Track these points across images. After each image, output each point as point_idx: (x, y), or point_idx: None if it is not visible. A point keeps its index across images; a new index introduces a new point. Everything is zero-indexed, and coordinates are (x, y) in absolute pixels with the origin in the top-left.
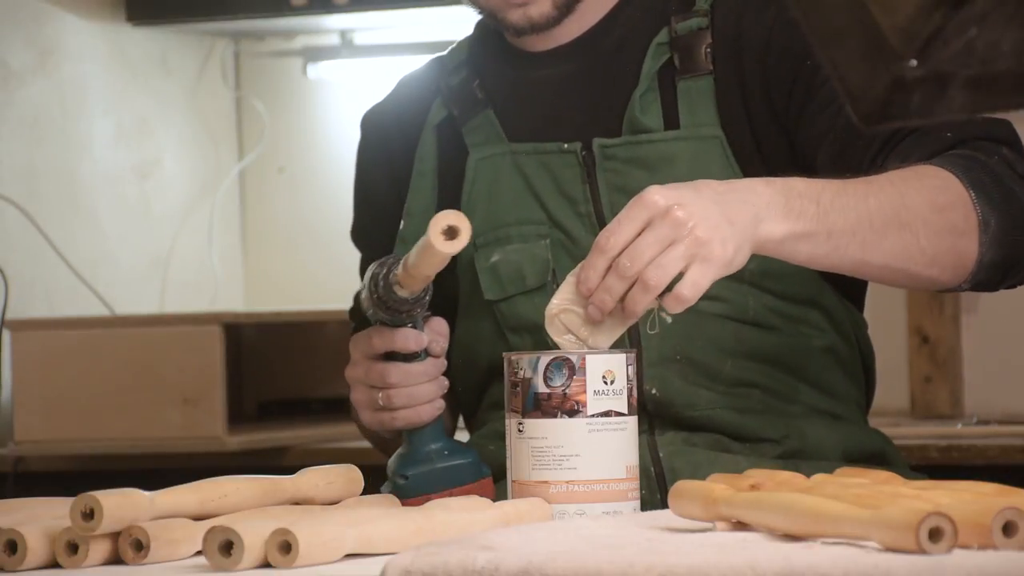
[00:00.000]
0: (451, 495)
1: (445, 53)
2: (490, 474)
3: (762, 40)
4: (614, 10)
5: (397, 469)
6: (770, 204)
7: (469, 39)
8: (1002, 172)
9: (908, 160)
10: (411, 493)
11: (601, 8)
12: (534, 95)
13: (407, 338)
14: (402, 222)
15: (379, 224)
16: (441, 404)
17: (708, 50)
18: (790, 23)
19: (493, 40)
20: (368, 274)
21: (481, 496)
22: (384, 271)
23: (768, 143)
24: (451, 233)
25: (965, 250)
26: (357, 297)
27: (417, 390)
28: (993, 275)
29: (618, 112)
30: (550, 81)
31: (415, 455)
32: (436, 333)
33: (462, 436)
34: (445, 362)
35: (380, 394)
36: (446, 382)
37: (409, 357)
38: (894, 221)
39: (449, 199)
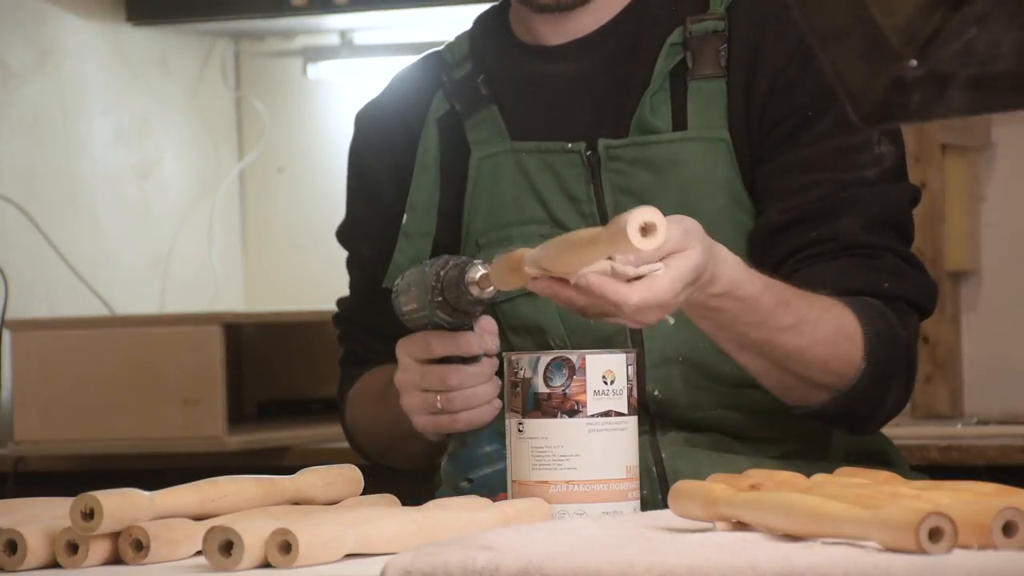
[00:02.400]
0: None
1: (443, 48)
2: None
3: (779, 65)
4: (628, 8)
5: (458, 472)
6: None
7: (469, 33)
8: (904, 344)
9: (843, 283)
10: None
11: (616, 4)
12: (541, 92)
13: (470, 342)
14: (404, 216)
15: (379, 218)
16: (499, 404)
17: (723, 53)
18: (810, 59)
19: (497, 34)
20: (430, 276)
21: None
22: (456, 273)
23: (754, 157)
24: (647, 230)
25: (844, 370)
26: (340, 303)
27: (476, 391)
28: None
29: (627, 112)
30: (558, 78)
31: (475, 457)
32: (487, 332)
33: None
34: (497, 361)
35: (439, 397)
36: (499, 381)
37: (467, 359)
38: (800, 322)
39: (452, 194)
